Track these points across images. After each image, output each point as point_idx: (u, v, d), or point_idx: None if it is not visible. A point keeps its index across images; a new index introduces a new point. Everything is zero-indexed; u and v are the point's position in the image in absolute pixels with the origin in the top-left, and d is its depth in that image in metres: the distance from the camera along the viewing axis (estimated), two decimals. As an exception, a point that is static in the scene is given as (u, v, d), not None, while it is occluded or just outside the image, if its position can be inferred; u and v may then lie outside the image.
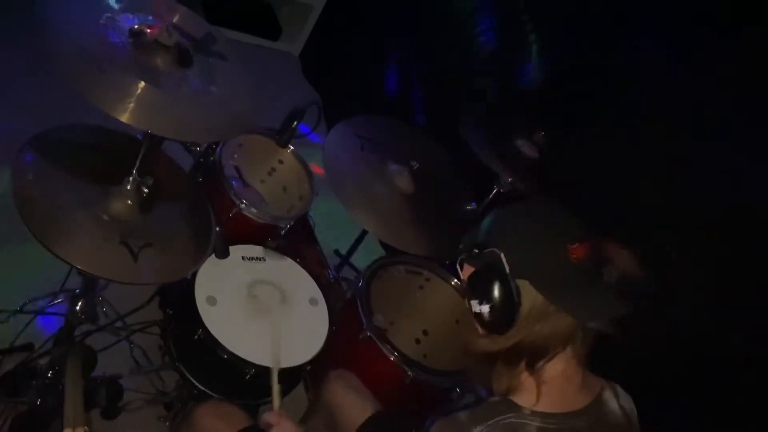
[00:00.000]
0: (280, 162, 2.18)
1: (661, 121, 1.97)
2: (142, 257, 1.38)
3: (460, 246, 1.10)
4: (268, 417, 1.30)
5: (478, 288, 1.05)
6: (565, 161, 2.12)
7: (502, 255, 1.01)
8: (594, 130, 2.19)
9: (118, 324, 1.95)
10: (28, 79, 2.45)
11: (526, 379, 1.05)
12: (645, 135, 1.99)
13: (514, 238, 1.04)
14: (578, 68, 2.33)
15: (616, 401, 1.12)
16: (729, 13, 1.82)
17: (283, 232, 1.96)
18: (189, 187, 1.71)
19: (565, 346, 1.05)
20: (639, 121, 2.05)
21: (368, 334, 1.78)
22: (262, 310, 1.75)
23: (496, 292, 1.02)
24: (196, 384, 1.75)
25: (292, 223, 1.97)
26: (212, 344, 1.62)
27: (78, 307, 1.63)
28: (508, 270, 1.01)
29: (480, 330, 1.08)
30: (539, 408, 1.03)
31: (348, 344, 1.83)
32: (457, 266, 1.11)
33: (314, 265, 2.00)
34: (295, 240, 2.03)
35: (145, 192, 1.46)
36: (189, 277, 1.67)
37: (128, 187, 1.44)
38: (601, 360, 1.12)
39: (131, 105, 1.21)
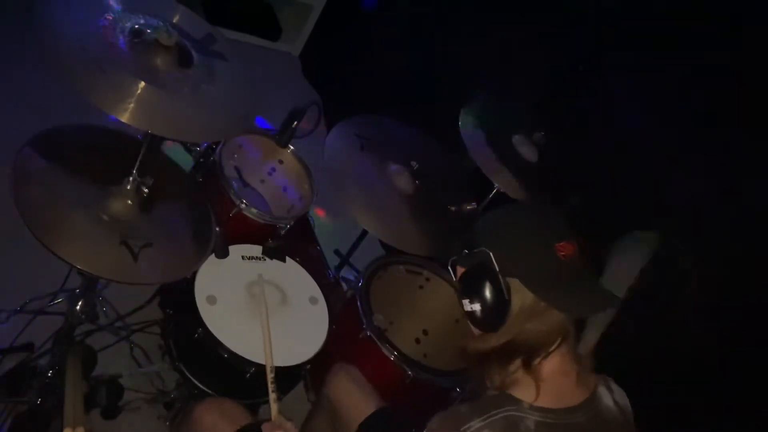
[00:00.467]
0: (280, 162, 2.18)
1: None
2: (142, 257, 1.39)
3: (452, 248, 1.12)
4: (266, 429, 1.32)
5: (469, 287, 1.07)
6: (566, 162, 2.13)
7: (491, 254, 1.03)
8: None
9: (118, 324, 1.95)
10: (28, 79, 2.45)
11: (523, 375, 1.06)
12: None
13: (502, 237, 1.07)
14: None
15: (611, 396, 1.14)
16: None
17: (283, 232, 1.96)
18: (189, 187, 1.71)
19: (559, 343, 1.06)
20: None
21: (368, 333, 1.78)
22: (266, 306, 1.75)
23: (487, 291, 1.04)
24: (197, 383, 1.75)
25: (292, 223, 1.97)
26: (212, 343, 1.62)
27: (78, 307, 1.63)
28: (497, 269, 1.03)
29: (473, 329, 1.10)
30: (538, 403, 1.04)
31: (348, 344, 1.83)
32: (449, 267, 1.13)
33: (314, 265, 2.00)
34: (295, 240, 2.03)
35: (145, 192, 1.46)
36: (189, 277, 1.67)
37: (128, 187, 1.45)
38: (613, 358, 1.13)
39: (131, 105, 1.21)
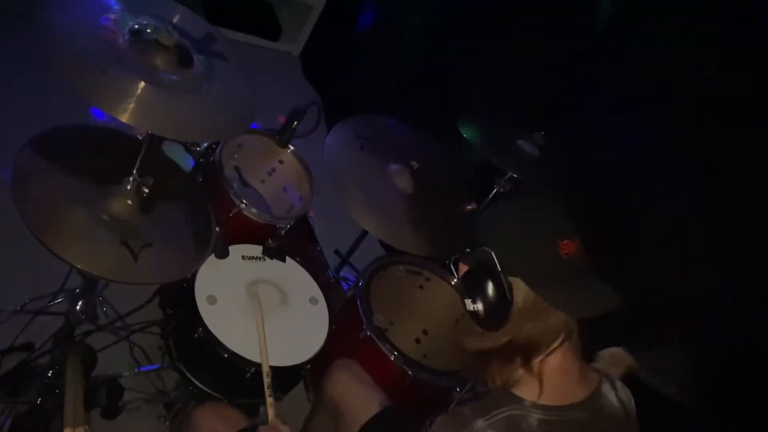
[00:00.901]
0: (280, 162, 2.18)
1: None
2: (142, 257, 1.39)
3: (455, 246, 1.12)
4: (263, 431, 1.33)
5: (471, 286, 1.07)
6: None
7: (493, 253, 1.03)
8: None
9: (118, 324, 1.95)
10: (28, 78, 2.45)
11: (525, 373, 1.06)
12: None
13: (505, 235, 1.06)
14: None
15: (615, 393, 1.14)
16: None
17: (283, 232, 1.96)
18: (189, 187, 1.71)
19: (561, 341, 1.05)
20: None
21: (368, 333, 1.78)
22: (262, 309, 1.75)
23: (489, 290, 1.03)
24: (197, 383, 1.75)
25: (292, 223, 1.97)
26: (212, 343, 1.62)
27: (78, 307, 1.63)
28: (499, 268, 1.02)
29: (475, 327, 1.10)
30: (540, 401, 1.04)
31: (348, 344, 1.83)
32: (451, 266, 1.13)
33: (314, 265, 2.00)
34: (295, 240, 2.03)
35: (145, 192, 1.46)
36: (189, 277, 1.67)
37: (128, 187, 1.45)
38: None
39: (131, 105, 1.21)
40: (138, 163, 1.42)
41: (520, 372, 1.06)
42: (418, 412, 1.25)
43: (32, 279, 1.92)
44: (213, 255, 1.73)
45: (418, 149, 2.13)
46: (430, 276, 2.10)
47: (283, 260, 1.89)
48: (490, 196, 2.11)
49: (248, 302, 1.74)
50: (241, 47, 3.31)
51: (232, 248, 1.79)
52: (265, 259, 1.87)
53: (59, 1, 1.28)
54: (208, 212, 1.63)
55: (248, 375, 1.65)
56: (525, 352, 1.05)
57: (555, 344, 1.05)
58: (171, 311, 1.89)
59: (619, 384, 1.16)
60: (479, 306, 1.05)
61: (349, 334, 1.82)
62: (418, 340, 2.10)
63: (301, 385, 1.95)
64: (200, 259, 1.57)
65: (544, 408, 1.03)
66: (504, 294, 1.02)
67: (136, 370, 1.93)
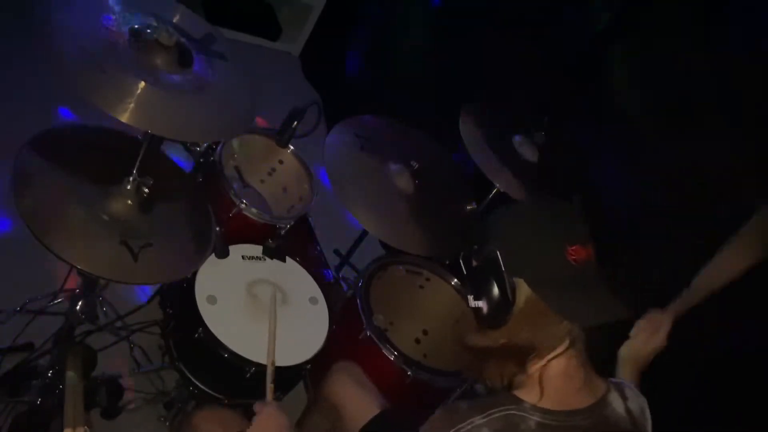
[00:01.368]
0: (280, 162, 2.18)
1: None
2: (142, 257, 1.39)
3: (455, 246, 1.12)
4: (255, 406, 1.33)
5: (475, 283, 1.07)
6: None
7: (498, 252, 1.02)
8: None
9: (118, 324, 1.95)
10: (28, 78, 2.44)
11: (526, 376, 1.05)
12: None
13: (512, 236, 1.05)
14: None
15: (623, 403, 1.11)
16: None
17: (283, 232, 1.96)
18: (189, 187, 1.71)
19: (566, 347, 1.04)
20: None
21: (368, 333, 1.78)
22: (262, 309, 1.75)
23: (492, 289, 1.03)
24: (197, 383, 1.75)
25: (292, 223, 1.97)
26: (213, 343, 1.62)
27: (78, 307, 1.63)
28: (503, 268, 1.02)
29: (476, 324, 1.10)
30: (541, 404, 1.03)
31: (348, 344, 1.83)
32: (460, 261, 1.12)
33: (314, 265, 2.00)
34: (295, 240, 2.03)
35: (145, 192, 1.46)
36: (189, 277, 1.67)
37: (128, 187, 1.45)
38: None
39: (131, 105, 1.21)
40: (138, 163, 1.43)
41: (521, 374, 1.05)
42: (418, 412, 1.25)
43: (32, 279, 1.92)
44: (213, 255, 1.72)
45: (418, 149, 2.13)
46: (430, 276, 2.10)
47: (283, 260, 1.89)
48: (490, 196, 2.11)
49: (248, 302, 1.74)
50: (241, 47, 3.31)
51: (232, 248, 1.79)
52: (265, 259, 1.87)
53: (59, 1, 1.28)
54: (208, 212, 1.63)
55: (248, 375, 1.65)
56: (524, 354, 1.04)
57: (559, 350, 1.04)
58: (171, 311, 1.89)
59: (630, 393, 1.14)
60: (481, 303, 1.05)
61: (349, 334, 1.82)
62: (418, 340, 2.10)
63: (301, 385, 1.95)
64: (200, 258, 1.56)
65: (544, 411, 1.02)
66: (506, 294, 1.01)
67: (136, 370, 1.93)
